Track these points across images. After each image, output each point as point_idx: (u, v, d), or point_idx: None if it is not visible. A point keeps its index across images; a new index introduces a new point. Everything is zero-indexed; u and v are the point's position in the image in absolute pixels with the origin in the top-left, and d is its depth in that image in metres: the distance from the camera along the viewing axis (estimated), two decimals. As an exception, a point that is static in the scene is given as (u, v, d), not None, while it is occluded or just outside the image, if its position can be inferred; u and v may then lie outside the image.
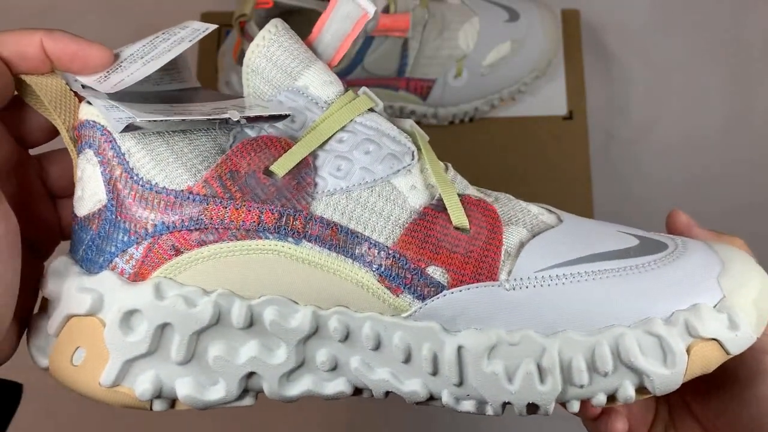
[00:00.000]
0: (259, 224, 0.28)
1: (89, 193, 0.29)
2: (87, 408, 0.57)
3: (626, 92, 0.63)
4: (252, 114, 0.28)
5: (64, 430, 0.57)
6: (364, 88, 0.31)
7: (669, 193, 0.59)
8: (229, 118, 0.28)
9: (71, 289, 0.28)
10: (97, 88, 0.28)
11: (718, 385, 0.33)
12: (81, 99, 0.29)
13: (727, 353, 0.28)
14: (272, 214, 0.28)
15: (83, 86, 0.29)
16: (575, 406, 0.29)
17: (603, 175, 0.59)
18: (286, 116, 0.29)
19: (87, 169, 0.29)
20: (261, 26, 0.52)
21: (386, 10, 0.52)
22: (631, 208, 0.59)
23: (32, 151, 0.32)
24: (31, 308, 0.31)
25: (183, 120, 0.27)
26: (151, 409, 0.29)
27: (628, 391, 0.28)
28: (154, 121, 0.27)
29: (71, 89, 0.29)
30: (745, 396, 0.32)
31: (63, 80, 0.29)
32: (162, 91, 0.31)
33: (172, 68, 0.31)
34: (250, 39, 0.51)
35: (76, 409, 0.56)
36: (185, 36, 0.30)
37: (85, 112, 0.29)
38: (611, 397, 0.29)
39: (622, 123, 0.62)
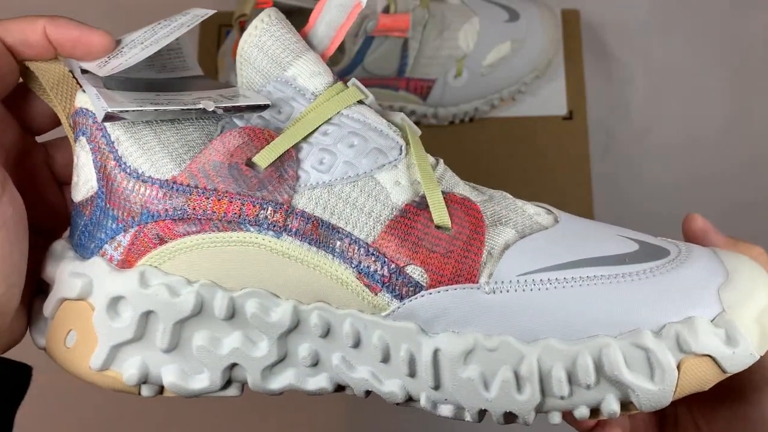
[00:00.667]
0: (240, 216, 0.28)
1: (83, 179, 0.29)
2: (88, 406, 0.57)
3: (626, 92, 0.63)
4: (230, 104, 0.28)
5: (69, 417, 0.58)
6: (353, 80, 0.30)
7: (669, 193, 0.59)
8: (204, 108, 0.28)
9: (65, 272, 0.29)
10: (97, 72, 0.29)
11: (725, 403, 0.32)
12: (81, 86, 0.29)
13: (723, 371, 0.26)
14: (253, 206, 0.28)
15: (83, 71, 0.29)
16: (556, 418, 0.28)
17: (603, 175, 0.59)
18: (265, 106, 0.29)
19: (81, 156, 0.29)
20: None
21: (386, 10, 0.52)
22: (630, 209, 0.59)
23: (40, 138, 0.33)
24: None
25: (156, 110, 0.27)
26: (139, 393, 0.29)
27: (611, 405, 0.27)
28: (129, 111, 0.27)
29: (73, 76, 0.30)
30: (754, 417, 0.30)
31: (66, 66, 0.30)
32: (162, 79, 0.31)
33: (177, 56, 0.32)
34: (250, 39, 0.51)
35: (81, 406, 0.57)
36: (185, 22, 0.30)
37: (80, 100, 0.29)
38: (595, 411, 0.27)
39: (622, 123, 0.62)
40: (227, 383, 0.29)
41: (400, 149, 0.29)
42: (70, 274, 0.29)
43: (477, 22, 0.56)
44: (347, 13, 0.30)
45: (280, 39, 0.29)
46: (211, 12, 0.31)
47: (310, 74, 0.29)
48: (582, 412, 0.27)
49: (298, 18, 0.56)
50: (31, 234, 0.28)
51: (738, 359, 0.26)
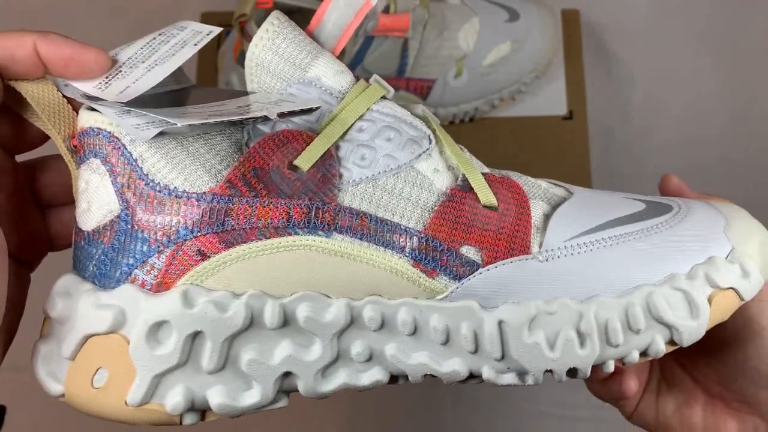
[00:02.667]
0: (288, 220, 0.28)
1: (97, 204, 0.28)
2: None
3: (626, 92, 0.63)
4: (285, 110, 0.28)
5: None
6: (375, 76, 0.30)
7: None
8: (266, 116, 0.27)
9: (87, 307, 0.27)
10: (100, 95, 0.27)
11: (713, 352, 0.36)
12: (74, 106, 0.28)
13: (742, 299, 0.30)
14: (301, 208, 0.28)
15: (86, 95, 0.28)
16: (611, 366, 0.30)
17: (603, 175, 0.59)
18: (316, 108, 0.29)
19: (92, 179, 0.28)
20: (260, 26, 0.52)
21: (386, 10, 0.52)
22: (631, 208, 0.59)
23: (19, 157, 0.31)
24: (17, 320, 0.30)
25: (222, 121, 0.26)
26: (180, 423, 0.28)
27: (659, 345, 0.29)
28: (192, 125, 0.26)
29: (63, 95, 0.28)
30: (732, 342, 0.35)
31: (54, 86, 0.28)
32: (160, 93, 0.30)
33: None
34: (250, 39, 0.51)
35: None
36: (187, 39, 0.29)
37: (88, 119, 0.27)
38: (643, 354, 0.30)
39: (622, 123, 0.62)
40: (277, 394, 0.29)
41: (429, 138, 0.30)
42: (96, 306, 0.27)
43: (477, 22, 0.56)
44: (355, 12, 0.30)
45: (293, 41, 0.29)
46: (216, 30, 0.30)
47: (333, 73, 0.29)
48: (633, 356, 0.29)
49: (298, 18, 0.56)
50: (9, 261, 0.27)
51: (752, 287, 0.30)
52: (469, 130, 0.60)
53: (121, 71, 0.28)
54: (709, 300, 0.29)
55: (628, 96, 0.63)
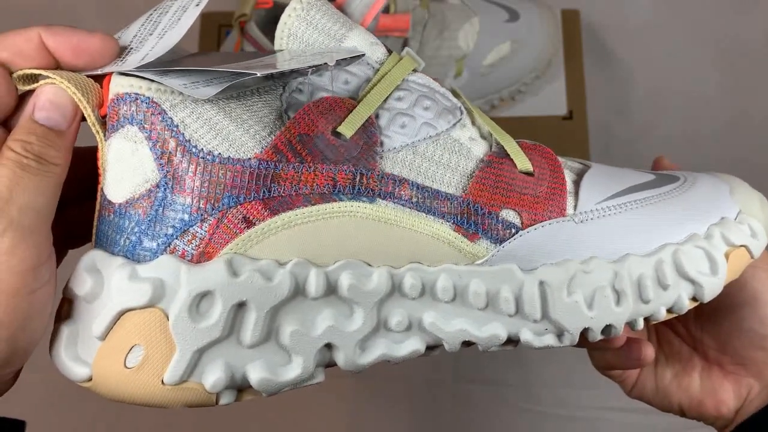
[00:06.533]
0: (334, 186, 0.28)
1: (131, 174, 0.27)
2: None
3: (626, 92, 0.63)
4: (337, 58, 0.27)
5: None
6: (407, 49, 0.31)
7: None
8: (325, 63, 0.27)
9: (122, 281, 0.26)
10: (122, 69, 0.26)
11: (715, 317, 0.38)
12: (96, 78, 0.27)
13: (752, 257, 0.32)
14: (345, 174, 0.28)
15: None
16: (641, 324, 0.31)
17: (603, 175, 0.59)
18: (362, 55, 0.29)
19: (126, 148, 0.26)
20: (261, 26, 0.51)
21: (386, 10, 0.52)
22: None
23: None
24: None
25: (267, 74, 0.26)
26: (216, 403, 0.27)
27: (684, 301, 0.31)
28: (261, 76, 0.25)
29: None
30: (725, 305, 0.36)
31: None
32: (171, 60, 0.28)
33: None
34: (250, 39, 0.51)
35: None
36: (186, 3, 0.28)
37: (123, 85, 0.26)
38: (669, 310, 0.31)
39: (622, 123, 0.62)
40: (316, 368, 0.28)
41: (460, 109, 0.30)
42: (132, 279, 0.26)
43: (477, 22, 0.56)
44: None
45: (327, 13, 0.29)
46: None
47: (369, 44, 0.30)
48: (661, 313, 0.31)
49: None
50: None
51: (760, 244, 0.32)
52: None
53: (132, 48, 0.27)
54: (726, 256, 0.31)
55: (628, 96, 0.63)
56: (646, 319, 0.31)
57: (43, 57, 0.26)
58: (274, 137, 0.27)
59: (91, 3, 0.66)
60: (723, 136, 0.61)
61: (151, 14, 0.29)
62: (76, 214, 0.30)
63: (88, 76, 0.27)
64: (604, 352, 0.38)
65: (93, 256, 0.27)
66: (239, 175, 0.27)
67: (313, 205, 0.27)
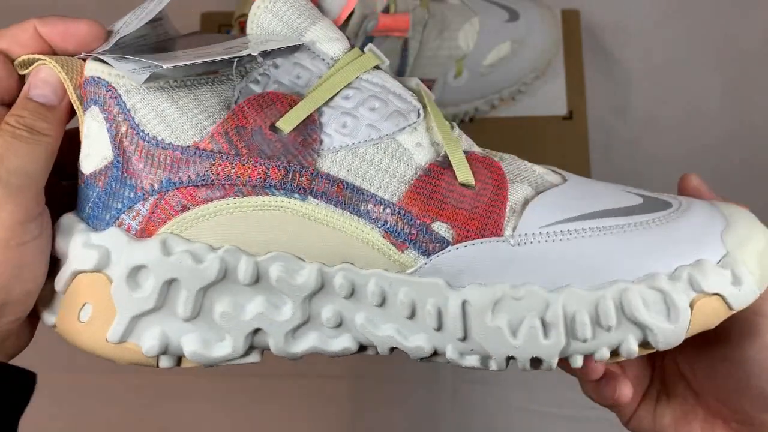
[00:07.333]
0: (265, 180, 0.28)
1: (95, 150, 0.29)
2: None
3: (626, 92, 0.63)
4: (268, 48, 0.28)
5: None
6: (370, 45, 0.31)
7: (669, 192, 0.59)
8: (249, 54, 0.28)
9: (78, 245, 0.29)
10: (94, 54, 0.29)
11: (709, 347, 0.34)
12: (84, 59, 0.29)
13: (730, 308, 0.28)
14: (278, 170, 0.28)
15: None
16: (579, 361, 0.29)
17: (603, 175, 0.59)
18: (300, 46, 0.29)
19: (93, 126, 0.29)
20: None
21: (386, 10, 0.52)
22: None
23: None
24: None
25: (206, 61, 0.27)
26: (157, 365, 0.29)
27: (631, 345, 0.28)
28: (177, 66, 0.27)
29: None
30: (735, 357, 0.32)
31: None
32: (152, 44, 0.31)
33: (160, 26, 0.32)
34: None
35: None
36: None
37: (91, 69, 0.29)
38: (614, 352, 0.29)
39: (622, 123, 0.62)
40: (249, 349, 0.29)
41: (418, 112, 0.30)
42: (85, 245, 0.28)
43: (477, 22, 0.56)
44: None
45: (294, 5, 0.30)
46: None
47: (327, 39, 0.30)
48: (603, 353, 0.28)
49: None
50: None
51: (743, 296, 0.28)
52: (469, 130, 0.59)
53: (117, 32, 0.29)
54: (691, 304, 0.28)
55: (628, 96, 0.63)
56: (588, 357, 0.29)
57: (38, 44, 0.29)
58: (212, 127, 0.28)
59: (92, 3, 0.66)
60: (724, 136, 0.61)
61: (145, 3, 0.30)
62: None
63: (80, 59, 0.29)
64: (584, 383, 0.36)
65: (66, 219, 0.30)
66: (177, 160, 0.28)
67: (245, 196, 0.28)
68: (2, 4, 0.63)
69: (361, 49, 0.31)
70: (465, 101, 0.58)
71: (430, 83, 0.56)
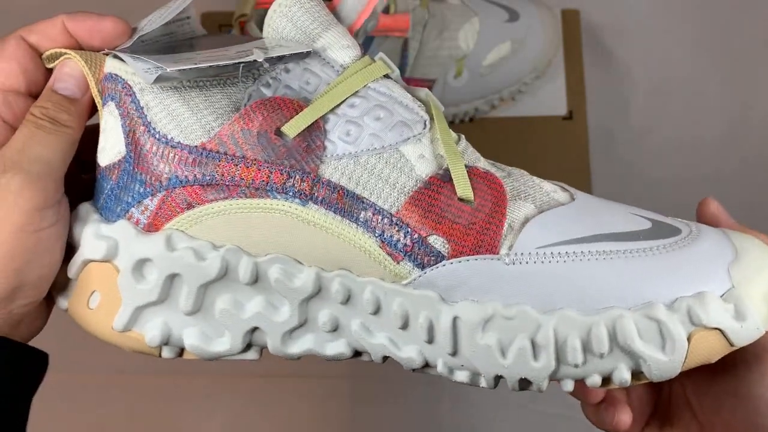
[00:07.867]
0: (267, 183, 0.29)
1: (111, 144, 0.30)
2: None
3: (626, 92, 0.63)
4: (275, 54, 0.29)
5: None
6: (381, 54, 0.31)
7: (669, 192, 0.59)
8: (255, 60, 0.28)
9: (89, 235, 0.30)
10: (115, 51, 0.30)
11: (717, 381, 0.33)
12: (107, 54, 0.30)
13: (731, 344, 0.27)
14: (281, 174, 0.29)
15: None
16: (569, 385, 0.29)
17: (603, 175, 0.59)
18: (308, 53, 0.29)
19: (109, 120, 0.30)
20: (261, 26, 0.51)
21: (386, 10, 0.52)
22: (631, 208, 0.59)
23: None
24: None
25: (211, 66, 0.28)
26: (160, 355, 0.30)
27: (623, 374, 0.28)
28: (183, 69, 0.27)
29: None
30: (743, 393, 0.31)
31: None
32: (176, 42, 0.32)
33: (186, 23, 0.32)
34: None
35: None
36: None
37: (110, 65, 0.29)
38: (606, 379, 0.28)
39: (622, 123, 0.62)
40: (247, 347, 0.30)
41: (425, 123, 0.30)
42: (96, 236, 0.29)
43: (477, 22, 0.56)
44: None
45: (309, 10, 0.30)
46: None
47: (339, 47, 0.30)
48: (594, 380, 0.28)
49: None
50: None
51: (745, 333, 0.27)
52: (469, 130, 0.59)
53: (141, 29, 0.30)
54: (689, 337, 0.27)
55: (628, 96, 0.63)
56: (580, 382, 0.28)
57: (65, 39, 0.30)
58: (220, 129, 0.29)
59: (92, 2, 0.66)
60: (724, 136, 0.61)
61: (170, 2, 0.31)
62: None
63: (104, 54, 0.30)
64: (584, 405, 0.36)
65: (82, 208, 0.31)
66: (185, 159, 0.29)
67: (248, 198, 0.29)
68: (2, 4, 0.63)
69: (366, 52, 0.31)
70: (465, 101, 0.58)
71: (430, 83, 0.56)
